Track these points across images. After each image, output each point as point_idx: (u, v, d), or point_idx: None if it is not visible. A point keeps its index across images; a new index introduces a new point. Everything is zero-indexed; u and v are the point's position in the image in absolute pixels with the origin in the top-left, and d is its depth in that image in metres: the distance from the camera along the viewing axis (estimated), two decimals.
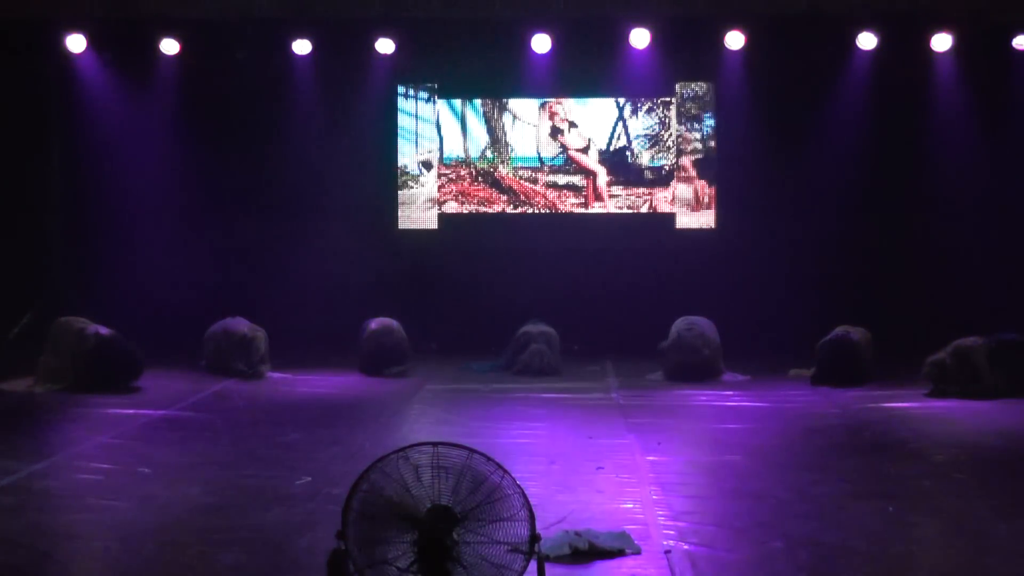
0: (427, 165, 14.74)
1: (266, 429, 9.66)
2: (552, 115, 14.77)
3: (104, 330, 11.58)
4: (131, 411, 10.30)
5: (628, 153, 14.77)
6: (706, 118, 14.70)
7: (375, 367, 12.43)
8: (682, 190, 14.71)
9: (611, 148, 14.76)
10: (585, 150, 14.77)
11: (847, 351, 11.92)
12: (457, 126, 14.86)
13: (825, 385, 11.65)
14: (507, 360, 12.86)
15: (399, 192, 14.82)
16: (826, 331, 12.20)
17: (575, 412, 10.41)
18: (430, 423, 9.98)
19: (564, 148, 14.78)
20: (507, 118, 14.80)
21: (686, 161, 14.72)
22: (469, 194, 14.86)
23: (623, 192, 14.76)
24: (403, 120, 14.83)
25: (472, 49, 14.21)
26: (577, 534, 6.26)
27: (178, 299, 13.73)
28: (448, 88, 14.82)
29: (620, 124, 14.77)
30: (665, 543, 6.33)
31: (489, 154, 14.82)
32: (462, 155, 14.85)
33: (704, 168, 14.68)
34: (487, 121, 14.84)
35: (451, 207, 14.87)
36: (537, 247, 14.51)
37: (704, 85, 14.66)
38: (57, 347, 11.56)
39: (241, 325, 12.46)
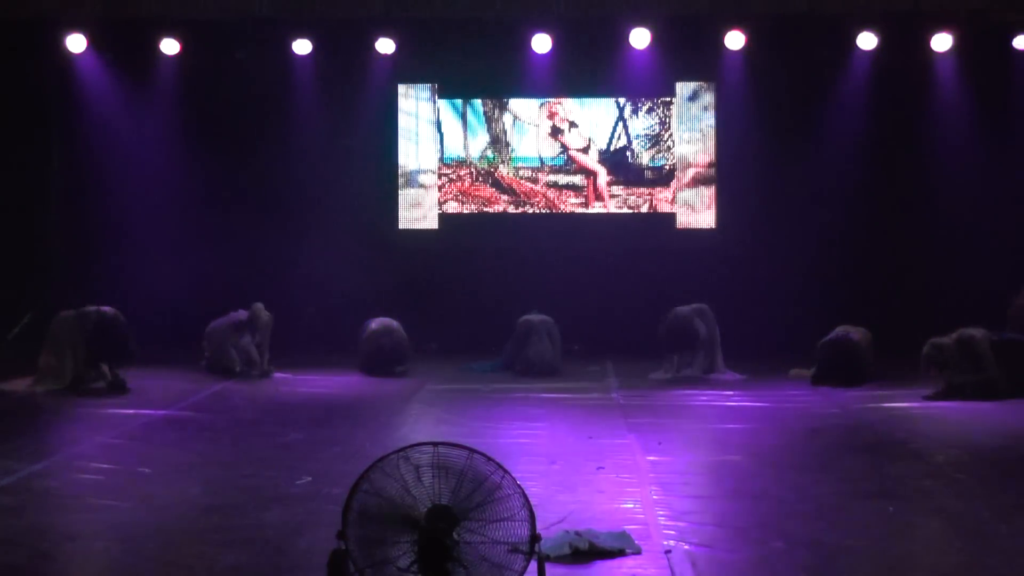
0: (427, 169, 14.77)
1: (266, 429, 9.66)
2: (552, 115, 14.77)
3: (106, 308, 11.63)
4: (131, 411, 10.30)
5: (628, 153, 14.77)
6: (706, 118, 14.70)
7: (375, 368, 12.42)
8: (682, 190, 14.71)
9: (611, 148, 14.76)
10: (585, 150, 14.77)
11: (847, 351, 11.92)
12: (457, 126, 14.86)
13: (825, 385, 11.65)
14: (508, 356, 12.84)
15: (399, 192, 14.82)
16: (826, 331, 12.19)
17: (575, 412, 10.40)
18: (430, 423, 9.98)
19: (564, 148, 14.78)
20: (507, 118, 14.80)
21: (686, 161, 14.72)
22: (470, 194, 14.87)
23: (623, 192, 14.76)
24: (403, 120, 14.83)
25: (472, 49, 14.21)
26: (577, 534, 6.25)
27: (178, 299, 13.73)
28: (448, 88, 14.82)
29: (620, 124, 14.77)
30: (665, 543, 6.32)
31: (490, 154, 14.82)
32: (462, 155, 14.86)
33: (704, 168, 14.68)
34: (487, 121, 14.84)
35: (452, 207, 14.87)
36: (537, 247, 14.51)
37: (704, 85, 14.66)
38: (56, 345, 11.53)
39: (242, 314, 12.52)
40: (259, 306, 12.56)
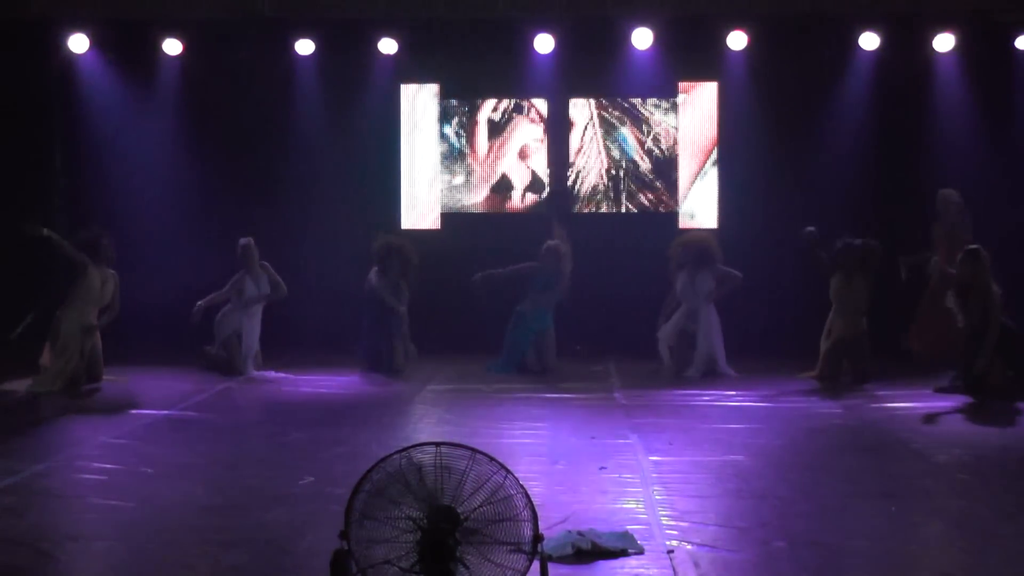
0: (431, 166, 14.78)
1: (268, 429, 9.67)
2: (554, 115, 14.77)
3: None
4: (132, 411, 10.31)
5: (630, 153, 14.76)
6: (708, 118, 14.68)
7: (394, 260, 12.66)
8: (684, 190, 14.71)
9: (613, 148, 14.75)
10: (587, 150, 14.76)
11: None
12: (460, 126, 14.86)
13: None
14: (512, 325, 12.87)
15: (402, 192, 14.83)
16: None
17: (578, 412, 10.40)
18: (432, 423, 9.99)
19: (566, 148, 14.77)
20: (509, 118, 14.80)
21: (687, 161, 14.71)
22: (472, 194, 14.86)
23: (625, 192, 14.76)
24: (406, 120, 14.83)
25: (475, 49, 14.22)
26: (580, 534, 6.25)
27: (180, 299, 13.70)
28: (451, 88, 14.83)
29: (622, 124, 14.76)
30: (668, 543, 6.32)
31: (492, 154, 14.82)
32: (465, 155, 14.85)
33: (706, 168, 14.67)
34: (489, 121, 14.83)
35: (454, 207, 14.87)
36: (539, 247, 14.46)
37: (707, 85, 14.65)
38: (57, 343, 11.54)
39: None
40: (244, 240, 12.62)
